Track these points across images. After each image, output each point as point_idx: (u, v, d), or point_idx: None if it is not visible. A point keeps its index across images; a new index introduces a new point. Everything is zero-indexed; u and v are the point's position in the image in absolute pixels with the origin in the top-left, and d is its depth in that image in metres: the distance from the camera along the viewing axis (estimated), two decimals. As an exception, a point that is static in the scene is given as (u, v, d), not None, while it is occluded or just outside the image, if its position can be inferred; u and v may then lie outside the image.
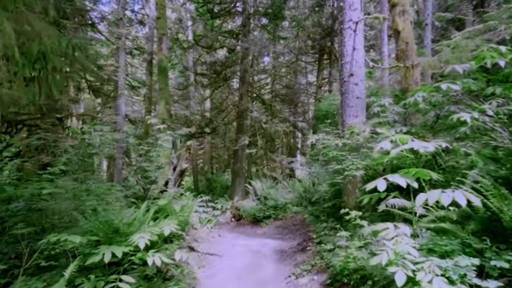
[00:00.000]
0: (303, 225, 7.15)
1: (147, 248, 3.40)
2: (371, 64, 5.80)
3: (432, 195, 2.07)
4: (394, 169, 4.85)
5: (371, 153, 4.28)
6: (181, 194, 6.76)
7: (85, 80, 10.46)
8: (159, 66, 11.91)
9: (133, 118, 16.17)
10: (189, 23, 17.49)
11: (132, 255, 2.87)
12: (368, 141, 4.58)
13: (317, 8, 16.75)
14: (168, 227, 3.04)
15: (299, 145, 21.08)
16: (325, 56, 19.06)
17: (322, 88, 19.46)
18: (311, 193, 8.79)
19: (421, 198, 2.13)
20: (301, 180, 10.74)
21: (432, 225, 2.61)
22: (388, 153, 3.38)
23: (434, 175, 2.39)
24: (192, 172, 19.74)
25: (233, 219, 9.41)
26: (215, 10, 14.87)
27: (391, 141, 2.38)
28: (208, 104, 19.03)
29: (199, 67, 16.25)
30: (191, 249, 5.40)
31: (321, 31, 17.27)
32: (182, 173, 7.15)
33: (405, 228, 2.16)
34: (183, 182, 14.91)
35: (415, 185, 2.19)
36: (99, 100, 16.86)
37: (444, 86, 3.36)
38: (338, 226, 4.37)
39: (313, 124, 14.50)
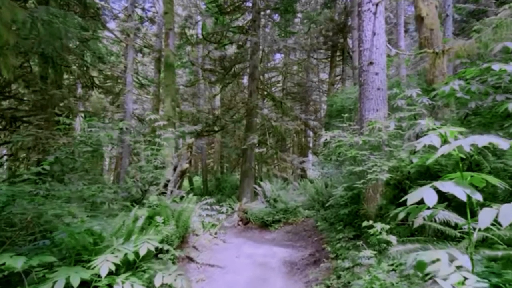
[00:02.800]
0: (315, 231, 6.50)
1: (133, 263, 2.86)
2: (393, 51, 5.09)
3: (507, 211, 1.42)
4: (423, 173, 4.16)
5: (398, 152, 3.61)
6: (182, 197, 6.21)
7: (87, 75, 10.10)
8: (166, 62, 11.47)
9: (142, 116, 15.84)
10: (199, 17, 17.04)
11: (98, 280, 2.31)
12: (392, 138, 3.90)
13: (329, 4, 16.05)
14: (145, 245, 2.47)
15: (311, 144, 20.40)
16: (337, 53, 18.37)
17: (335, 85, 18.77)
18: (323, 195, 8.13)
19: (488, 214, 1.47)
20: (313, 181, 10.07)
21: (499, 253, 1.93)
22: (414, 152, 2.73)
23: (497, 182, 1.73)
24: (202, 172, 19.31)
25: (240, 223, 8.84)
26: (225, 6, 14.37)
27: (440, 135, 1.73)
28: (218, 102, 18.58)
29: (209, 64, 15.75)
30: (190, 259, 4.84)
31: (335, 25, 16.57)
32: (182, 174, 6.61)
33: (463, 259, 1.52)
34: (184, 183, 14.42)
35: (479, 197, 1.54)
36: (109, 99, 16.64)
37: (496, 67, 2.66)
38: (357, 239, 3.71)
39: (325, 122, 13.79)
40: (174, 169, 6.54)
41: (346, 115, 4.48)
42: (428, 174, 4.05)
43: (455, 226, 2.48)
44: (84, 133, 5.56)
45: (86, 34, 10.91)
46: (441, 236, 3.19)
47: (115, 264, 2.37)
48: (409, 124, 3.99)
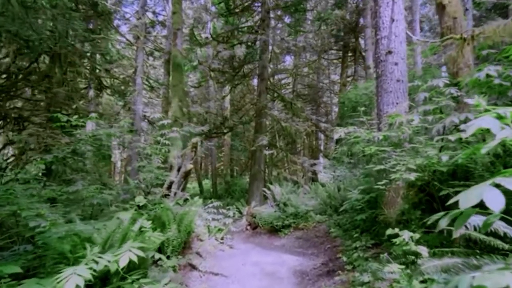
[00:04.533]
0: (328, 238, 6.04)
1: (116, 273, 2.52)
2: (414, 38, 4.63)
3: None
4: (451, 174, 3.65)
5: (424, 148, 3.16)
6: (186, 200, 5.88)
7: (94, 75, 9.99)
8: (173, 62, 11.28)
9: (152, 119, 15.71)
10: (208, 18, 16.90)
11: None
12: (417, 133, 3.45)
13: (340, 4, 15.66)
14: (127, 254, 2.11)
15: (322, 147, 19.89)
16: (349, 53, 17.94)
17: (347, 86, 18.30)
18: (336, 199, 7.66)
19: None
20: (324, 184, 9.59)
21: None
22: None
23: None
24: (211, 175, 19.02)
25: (248, 227, 8.44)
26: (233, 6, 14.17)
27: (499, 117, 1.31)
28: (227, 104, 18.33)
29: (218, 64, 15.50)
30: (192, 267, 4.48)
31: (346, 24, 16.13)
32: (186, 175, 6.28)
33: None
34: (189, 185, 14.07)
35: None
36: (121, 102, 16.61)
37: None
38: (376, 248, 3.26)
39: (337, 124, 13.27)
40: (178, 170, 6.22)
41: (362, 108, 4.04)
42: (457, 175, 3.57)
43: (503, 237, 2.03)
44: (85, 132, 5.32)
45: (96, 37, 10.85)
46: (475, 247, 2.73)
47: (96, 275, 2.02)
48: (435, 118, 3.53)
